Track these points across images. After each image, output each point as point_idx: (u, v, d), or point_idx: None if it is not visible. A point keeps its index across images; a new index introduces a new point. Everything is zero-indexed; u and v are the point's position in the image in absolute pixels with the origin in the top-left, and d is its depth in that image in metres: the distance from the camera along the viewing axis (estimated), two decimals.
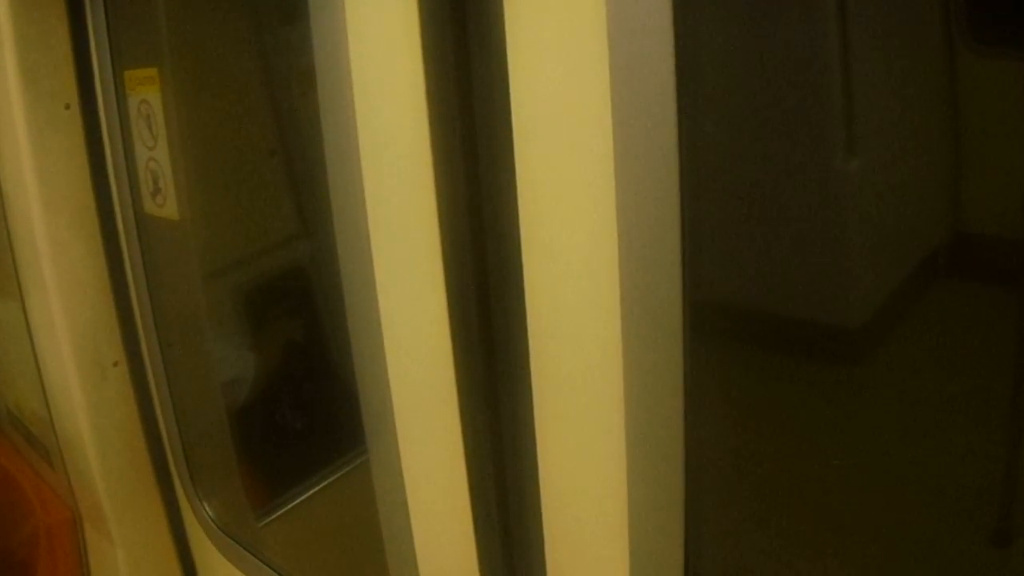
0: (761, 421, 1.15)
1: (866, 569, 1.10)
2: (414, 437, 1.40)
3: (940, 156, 0.96)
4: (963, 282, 0.98)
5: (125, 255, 2.17)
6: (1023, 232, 0.90)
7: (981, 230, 0.96)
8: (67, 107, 2.07)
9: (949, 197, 0.96)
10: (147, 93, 1.95)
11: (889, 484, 1.06)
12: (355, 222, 1.32)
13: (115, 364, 2.25)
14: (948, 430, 0.99)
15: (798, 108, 1.02)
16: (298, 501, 2.21)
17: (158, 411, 2.31)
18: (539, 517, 1.29)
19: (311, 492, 2.22)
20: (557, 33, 1.04)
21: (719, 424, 1.15)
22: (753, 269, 1.10)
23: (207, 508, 2.26)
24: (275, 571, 2.04)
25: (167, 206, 1.98)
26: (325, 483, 2.20)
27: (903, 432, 1.03)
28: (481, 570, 1.40)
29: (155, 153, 1.96)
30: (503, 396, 1.29)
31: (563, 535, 1.27)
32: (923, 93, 0.96)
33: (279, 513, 2.21)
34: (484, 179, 1.21)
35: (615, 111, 1.01)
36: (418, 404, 1.37)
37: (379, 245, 1.31)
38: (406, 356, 1.35)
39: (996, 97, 0.90)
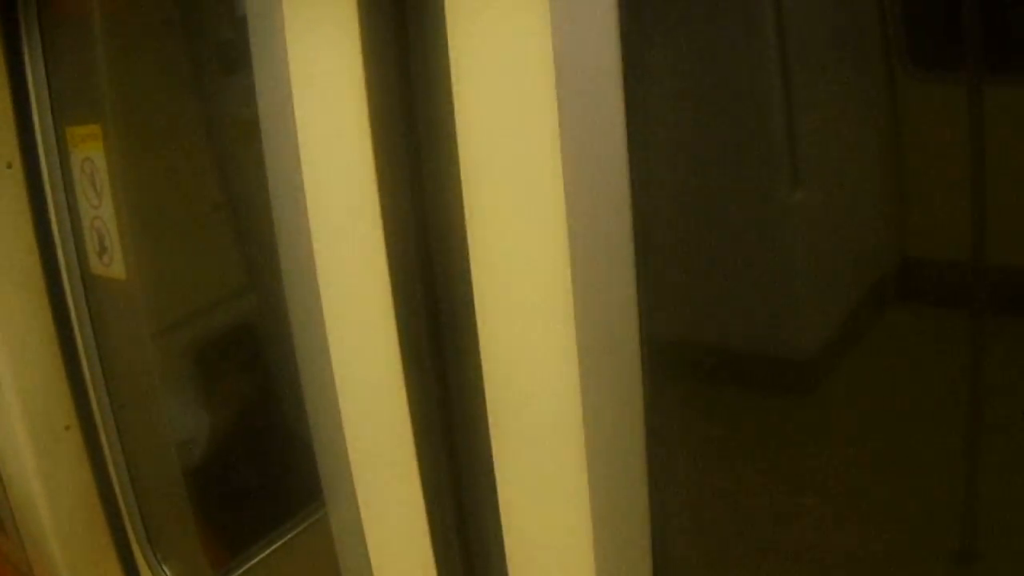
0: (719, 451, 1.14)
1: None
2: (371, 480, 1.37)
3: (883, 182, 0.97)
4: (911, 307, 0.99)
5: (73, 317, 2.14)
6: (969, 254, 0.90)
7: (927, 255, 0.97)
8: (8, 166, 2.03)
9: (894, 223, 0.97)
10: (90, 150, 1.92)
11: (851, 509, 1.06)
12: (303, 269, 1.30)
13: (67, 428, 2.21)
14: (906, 453, 0.99)
15: (741, 142, 1.02)
16: (258, 559, 2.17)
17: (112, 474, 2.27)
18: (503, 558, 1.26)
19: (271, 549, 2.18)
20: (502, 67, 1.02)
21: (684, 466, 1.14)
22: (707, 306, 1.10)
23: (165, 569, 2.24)
24: None
25: (114, 265, 1.95)
26: (285, 539, 2.17)
27: (861, 458, 1.03)
28: None
29: (100, 211, 1.93)
30: (459, 433, 1.27)
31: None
32: (864, 121, 0.97)
33: (240, 572, 2.17)
34: (432, 224, 1.19)
35: (563, 142, 0.99)
36: (374, 447, 1.34)
37: (328, 290, 1.29)
38: (359, 399, 1.33)
39: (936, 121, 0.91)
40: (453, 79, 1.07)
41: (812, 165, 1.00)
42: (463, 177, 1.10)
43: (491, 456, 1.21)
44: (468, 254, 1.13)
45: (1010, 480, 0.93)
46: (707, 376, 1.12)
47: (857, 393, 1.03)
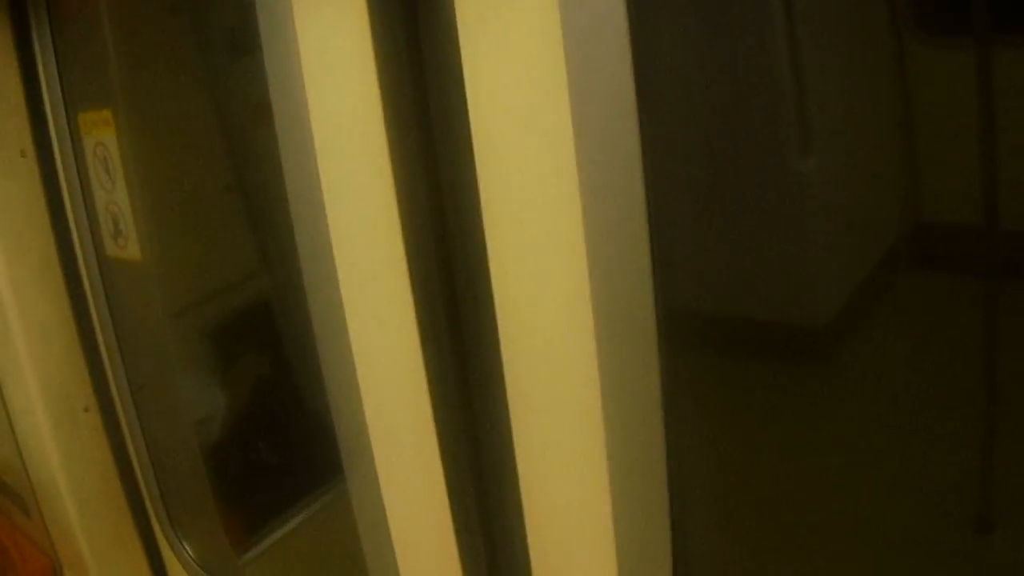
0: (737, 422, 1.14)
1: (851, 564, 1.09)
2: (391, 461, 1.38)
3: (895, 148, 0.96)
4: (926, 273, 0.98)
5: (90, 299, 2.15)
6: (982, 219, 0.89)
7: (941, 220, 0.95)
8: (22, 154, 2.05)
9: (907, 189, 0.96)
10: (102, 135, 1.92)
11: (869, 479, 1.05)
12: (320, 249, 1.30)
13: (86, 409, 2.22)
14: (923, 422, 0.99)
15: (751, 110, 1.02)
16: (278, 535, 2.18)
17: (132, 454, 2.28)
18: (524, 538, 1.27)
19: (291, 526, 2.19)
20: (512, 47, 1.03)
21: (697, 427, 1.14)
22: (720, 272, 1.10)
23: (187, 548, 2.25)
24: None
25: (129, 247, 1.96)
26: (304, 516, 2.18)
27: (879, 427, 1.02)
28: None
29: (114, 195, 1.93)
30: (479, 414, 1.28)
31: (548, 556, 1.25)
32: (874, 86, 0.95)
33: (260, 548, 2.18)
34: (449, 205, 1.20)
35: (576, 126, 1.00)
36: (393, 427, 1.35)
37: (345, 270, 1.29)
38: (379, 380, 1.33)
39: (946, 85, 0.89)
40: (463, 58, 1.07)
41: (823, 132, 0.99)
42: (477, 153, 1.10)
43: (510, 427, 1.22)
44: (484, 229, 1.14)
45: None
46: (722, 345, 1.12)
47: (874, 360, 1.03)
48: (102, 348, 2.19)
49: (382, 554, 1.46)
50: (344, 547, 1.61)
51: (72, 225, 2.10)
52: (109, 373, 2.21)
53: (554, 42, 0.98)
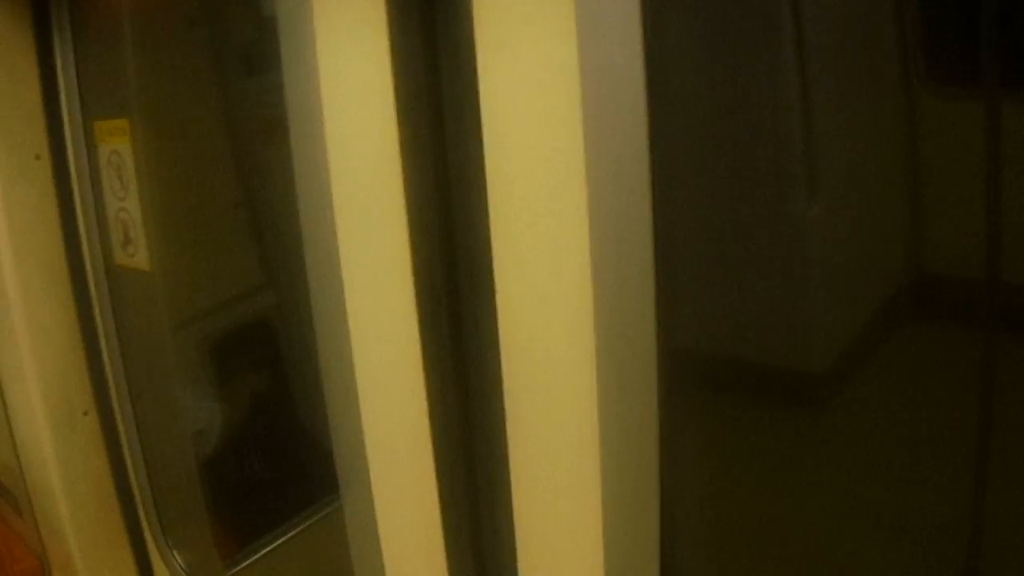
0: (732, 462, 1.14)
1: None
2: (387, 478, 1.38)
3: (900, 198, 0.96)
4: (926, 323, 0.98)
5: (95, 305, 2.16)
6: (984, 273, 0.89)
7: (943, 272, 0.96)
8: (37, 158, 2.06)
9: (910, 239, 0.96)
10: (117, 144, 1.94)
11: (859, 526, 1.05)
12: (328, 265, 1.31)
13: (85, 413, 2.23)
14: (916, 469, 0.99)
15: (758, 157, 1.02)
16: (267, 550, 2.19)
17: (128, 460, 2.28)
18: (515, 563, 1.27)
19: (280, 541, 2.20)
20: (529, 74, 1.03)
21: (695, 476, 1.15)
22: (722, 316, 1.10)
23: (176, 555, 2.25)
24: None
25: (138, 256, 1.97)
26: (294, 532, 2.18)
27: (870, 472, 1.02)
28: None
29: (126, 203, 1.94)
30: (478, 438, 1.28)
31: None
32: (882, 135, 0.95)
33: (249, 562, 2.19)
34: (458, 229, 1.20)
35: (589, 172, 1.00)
36: (391, 444, 1.35)
37: (351, 286, 1.30)
38: (379, 397, 1.34)
39: (954, 137, 0.89)
40: (481, 80, 1.08)
41: (829, 180, 1.00)
42: (487, 174, 1.11)
43: (506, 454, 1.22)
44: (491, 254, 1.14)
45: (1021, 499, 0.93)
46: (721, 384, 1.13)
47: (870, 406, 1.03)
48: (104, 353, 2.19)
49: (372, 572, 1.46)
50: (331, 565, 1.61)
51: (82, 231, 2.11)
52: (110, 378, 2.21)
53: (571, 69, 0.98)
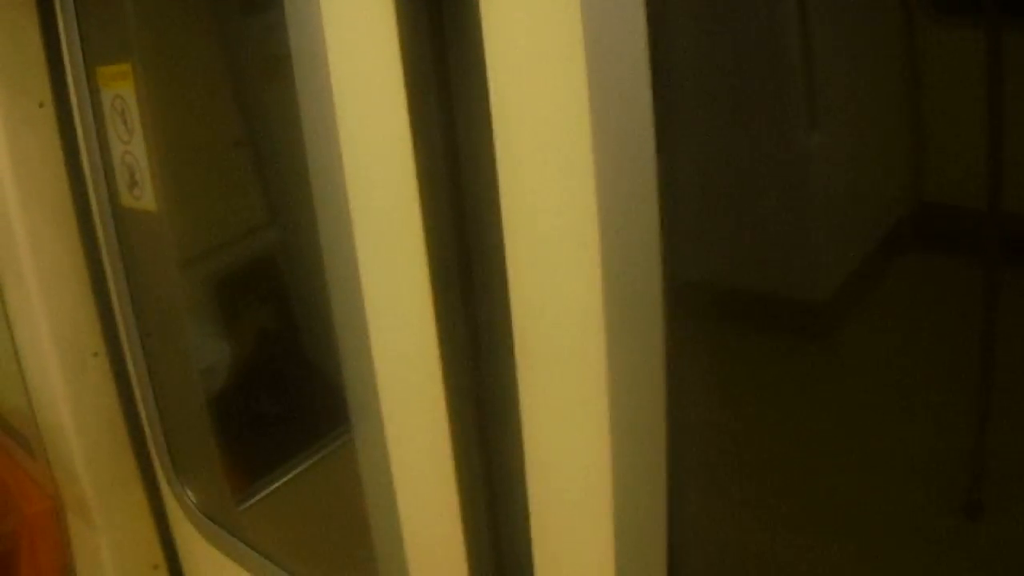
0: (736, 399, 1.15)
1: (844, 547, 1.09)
2: (399, 415, 1.40)
3: (902, 127, 0.95)
4: (928, 252, 0.98)
5: (103, 247, 2.17)
6: (986, 201, 0.89)
7: (945, 200, 0.95)
8: (41, 105, 2.07)
9: (912, 167, 0.96)
10: (120, 88, 1.94)
11: (862, 458, 1.05)
12: (337, 206, 1.32)
13: (95, 354, 2.25)
14: (918, 402, 0.99)
15: (759, 85, 1.02)
16: (278, 484, 2.22)
17: (139, 399, 2.30)
18: (524, 492, 1.29)
19: (291, 475, 2.23)
20: (533, 25, 1.04)
21: (700, 406, 1.15)
22: (725, 248, 1.10)
23: (189, 493, 2.27)
24: (257, 552, 2.05)
25: (144, 198, 1.98)
26: (304, 466, 2.21)
27: (873, 405, 1.02)
28: (467, 548, 1.40)
29: (131, 147, 1.95)
30: (486, 373, 1.29)
31: (548, 513, 1.27)
32: (884, 64, 0.95)
33: (260, 496, 2.21)
34: (464, 165, 1.21)
35: (592, 101, 1.01)
36: (403, 382, 1.37)
37: (361, 228, 1.31)
38: (390, 335, 1.35)
39: (957, 66, 0.88)
40: (484, 28, 1.09)
41: (830, 109, 1.00)
42: (493, 113, 1.12)
43: (516, 386, 1.24)
44: (498, 186, 1.15)
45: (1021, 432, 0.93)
46: (726, 319, 1.13)
47: (873, 336, 1.03)
48: (113, 295, 2.21)
49: (385, 503, 1.48)
50: (344, 499, 1.64)
51: (88, 175, 2.12)
52: (119, 319, 2.23)
53: (574, 28, 1.00)
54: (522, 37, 1.06)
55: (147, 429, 2.33)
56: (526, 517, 1.31)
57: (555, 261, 1.13)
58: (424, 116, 1.20)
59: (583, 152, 1.04)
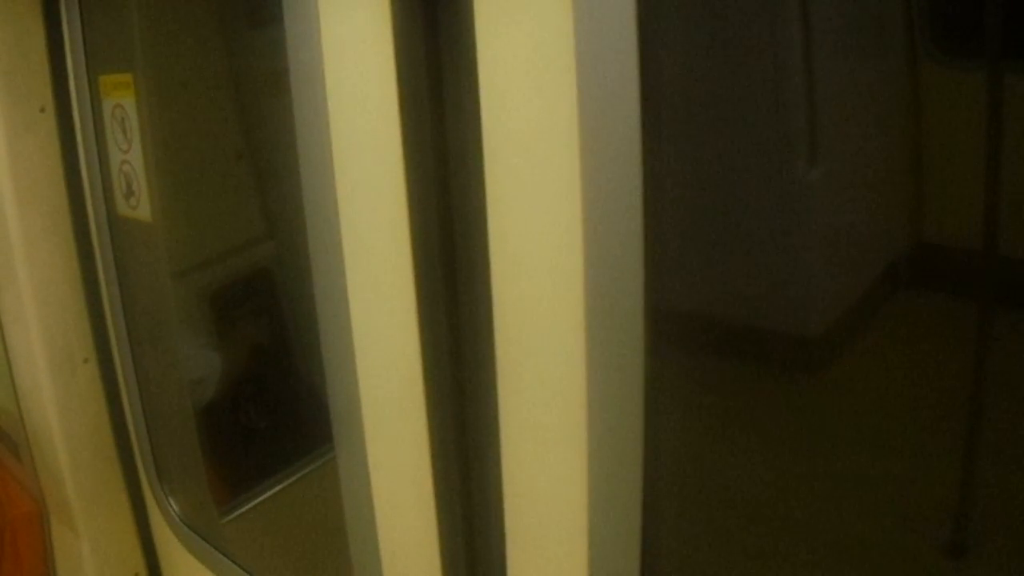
0: (720, 427, 1.14)
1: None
2: (381, 434, 1.39)
3: (902, 166, 0.95)
4: (924, 292, 0.97)
5: (97, 255, 2.17)
6: (984, 243, 0.88)
7: (942, 241, 0.94)
8: (42, 110, 2.07)
9: (911, 207, 0.95)
10: (121, 97, 1.94)
11: (846, 492, 1.05)
12: (327, 224, 1.32)
13: (85, 360, 2.24)
14: (905, 439, 0.98)
15: (761, 118, 1.02)
16: (262, 498, 2.21)
17: (126, 407, 2.30)
18: (501, 514, 1.29)
19: (275, 490, 2.22)
20: (525, 42, 1.04)
21: (679, 429, 1.14)
22: (716, 277, 1.10)
23: (172, 503, 2.25)
24: (237, 565, 2.03)
25: (140, 208, 1.97)
26: (289, 481, 2.20)
27: (860, 441, 1.02)
28: (443, 566, 1.40)
29: (129, 156, 1.95)
30: (469, 395, 1.29)
31: (524, 533, 1.27)
32: (886, 103, 0.95)
33: (243, 510, 2.20)
34: (454, 184, 1.21)
35: (581, 125, 1.01)
36: (385, 402, 1.36)
37: (350, 246, 1.31)
38: (375, 354, 1.35)
39: (958, 107, 0.88)
40: (478, 37, 1.09)
41: (831, 145, 0.99)
42: (483, 131, 1.12)
43: (496, 408, 1.23)
44: (485, 206, 1.15)
45: (1010, 476, 0.92)
46: (711, 350, 1.12)
47: (862, 375, 1.02)
48: (105, 302, 2.20)
49: (364, 520, 1.48)
50: (324, 514, 1.63)
51: (86, 182, 2.12)
52: (110, 327, 2.22)
53: (566, 48, 1.00)
54: (517, 61, 1.06)
55: (133, 437, 2.32)
56: (502, 534, 1.30)
57: (539, 283, 1.12)
58: (418, 138, 1.20)
59: (570, 178, 1.04)
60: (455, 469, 1.35)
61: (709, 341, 1.13)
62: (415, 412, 1.32)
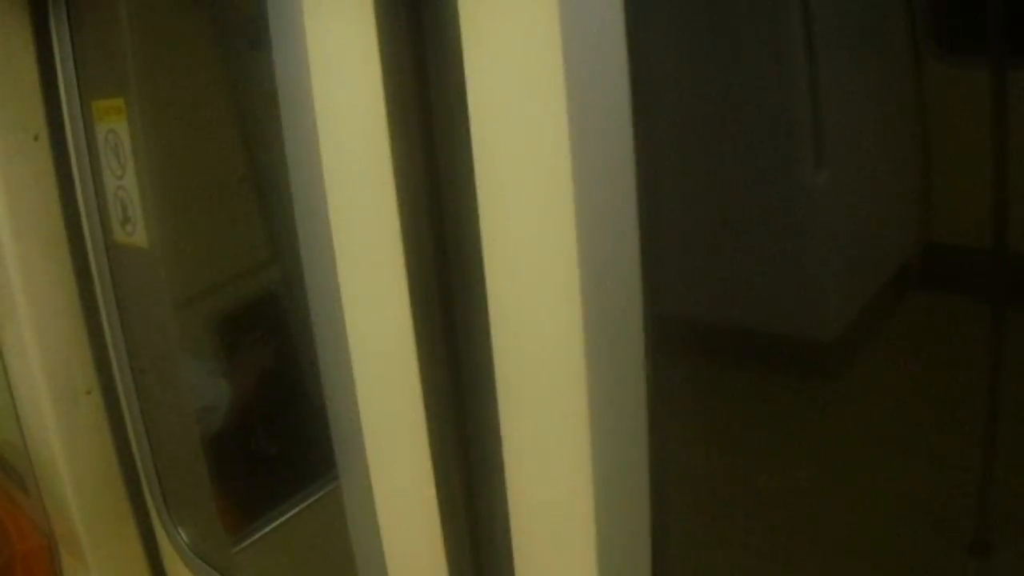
0: (733, 434, 1.14)
1: None
2: (382, 452, 1.38)
3: (909, 167, 0.94)
4: (935, 292, 0.97)
5: (96, 283, 2.15)
6: (993, 241, 0.88)
7: (952, 240, 0.94)
8: (36, 138, 2.05)
9: (919, 208, 0.95)
10: (114, 123, 1.92)
11: (865, 496, 1.04)
12: (319, 238, 1.30)
13: (88, 392, 2.22)
14: (923, 441, 0.98)
15: (766, 122, 1.01)
16: (272, 527, 2.18)
17: (132, 438, 2.28)
18: (507, 527, 1.27)
19: (287, 516, 2.19)
20: (512, 47, 1.02)
21: (678, 430, 1.14)
22: (723, 283, 1.09)
23: (181, 533, 2.24)
24: None
25: (137, 234, 1.96)
26: (299, 508, 2.18)
27: (877, 444, 1.01)
28: None
29: (124, 182, 1.93)
30: (469, 408, 1.27)
31: (531, 547, 1.25)
32: (891, 104, 0.95)
33: (254, 538, 2.18)
34: (446, 193, 1.19)
35: (571, 126, 0.98)
36: (386, 426, 1.35)
37: (343, 259, 1.29)
38: (373, 377, 1.33)
39: (963, 107, 0.88)
40: (465, 54, 1.06)
41: (838, 147, 0.99)
42: (475, 146, 1.09)
43: (499, 429, 1.21)
44: (479, 223, 1.13)
45: None
46: (716, 356, 1.12)
47: (879, 376, 1.02)
48: (106, 332, 2.18)
49: (370, 547, 1.46)
50: (335, 542, 1.60)
51: (82, 209, 2.10)
52: (112, 357, 2.20)
53: (554, 50, 0.97)
54: (505, 65, 1.03)
55: (140, 468, 2.30)
56: (509, 549, 1.28)
57: (536, 296, 1.10)
58: (406, 147, 1.18)
59: (564, 185, 1.01)
60: (458, 485, 1.33)
61: (719, 348, 1.13)
62: (416, 427, 1.30)
